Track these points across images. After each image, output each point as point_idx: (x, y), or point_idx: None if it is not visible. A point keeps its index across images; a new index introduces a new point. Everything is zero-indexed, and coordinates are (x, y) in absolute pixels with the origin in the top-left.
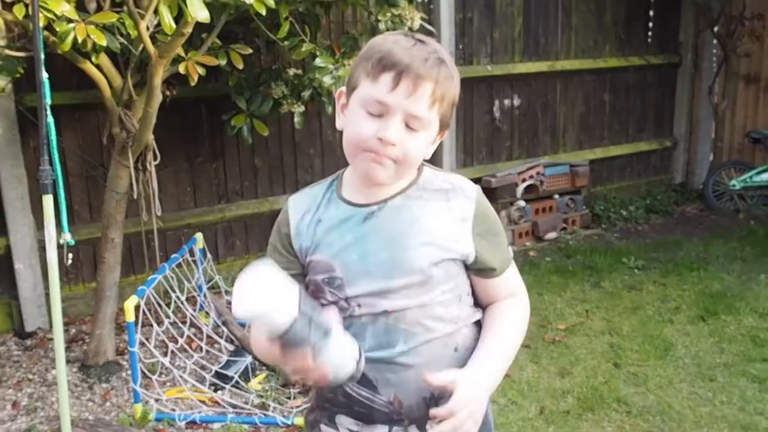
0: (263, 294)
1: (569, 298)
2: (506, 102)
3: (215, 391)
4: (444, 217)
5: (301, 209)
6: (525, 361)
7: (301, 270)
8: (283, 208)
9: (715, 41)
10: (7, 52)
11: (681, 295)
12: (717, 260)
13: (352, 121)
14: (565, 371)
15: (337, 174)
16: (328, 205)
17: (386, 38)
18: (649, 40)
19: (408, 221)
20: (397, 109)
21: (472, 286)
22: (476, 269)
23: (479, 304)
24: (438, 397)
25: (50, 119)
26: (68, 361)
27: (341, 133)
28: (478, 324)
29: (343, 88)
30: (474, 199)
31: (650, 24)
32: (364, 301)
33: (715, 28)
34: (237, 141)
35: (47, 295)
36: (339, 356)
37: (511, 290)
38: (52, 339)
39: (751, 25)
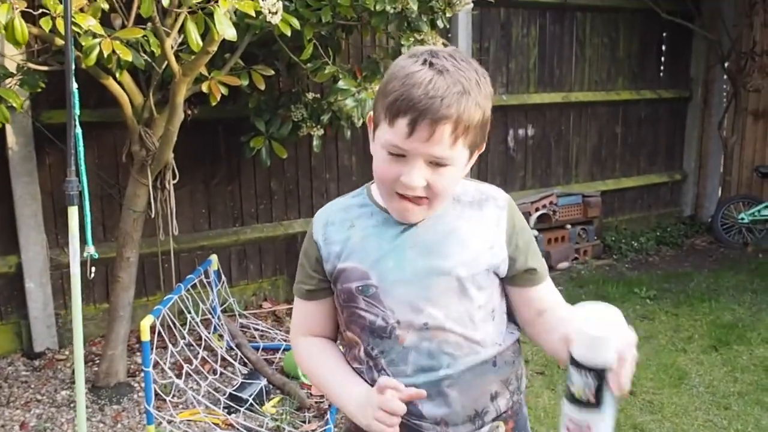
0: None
1: None
2: (520, 132)
3: (229, 413)
4: (479, 227)
5: (328, 217)
6: (541, 388)
7: (329, 285)
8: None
9: (725, 77)
10: (30, 65)
11: (693, 325)
12: (727, 292)
13: (377, 158)
14: None
15: (365, 186)
16: (361, 212)
17: (404, 68)
18: (661, 74)
19: (445, 232)
20: (416, 154)
21: (511, 305)
22: (517, 276)
23: (526, 321)
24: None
25: (78, 130)
26: None
27: (357, 158)
28: (517, 341)
29: (371, 113)
30: (505, 207)
31: (662, 58)
32: (402, 313)
33: (726, 64)
34: (253, 163)
35: (57, 315)
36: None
37: (560, 299)
38: (61, 360)
39: (761, 61)
